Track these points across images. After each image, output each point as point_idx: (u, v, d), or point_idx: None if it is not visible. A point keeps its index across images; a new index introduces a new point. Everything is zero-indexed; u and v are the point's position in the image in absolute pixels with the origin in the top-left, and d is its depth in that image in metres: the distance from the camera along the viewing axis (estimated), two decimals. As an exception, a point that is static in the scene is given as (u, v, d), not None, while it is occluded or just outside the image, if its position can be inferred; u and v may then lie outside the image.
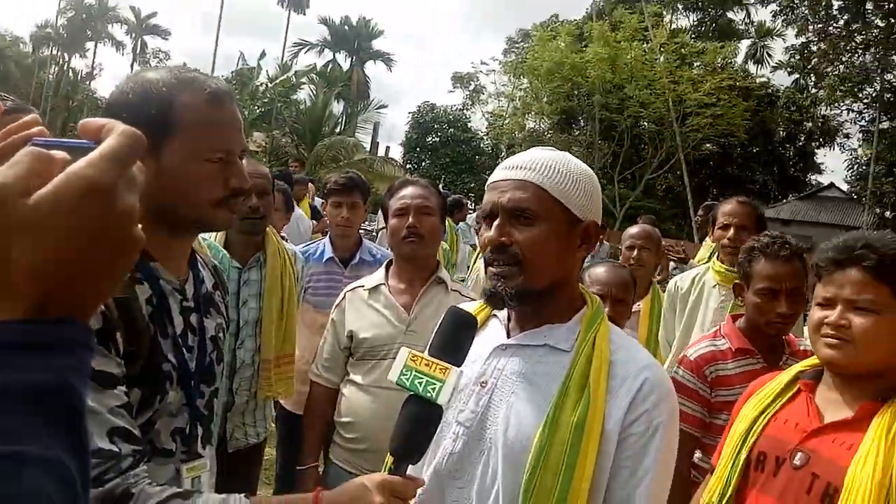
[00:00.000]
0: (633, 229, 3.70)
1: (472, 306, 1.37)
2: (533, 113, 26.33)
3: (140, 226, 0.51)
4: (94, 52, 51.42)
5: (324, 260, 3.03)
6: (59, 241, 0.46)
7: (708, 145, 22.76)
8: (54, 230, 0.46)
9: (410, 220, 2.26)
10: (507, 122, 27.16)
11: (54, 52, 49.47)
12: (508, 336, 1.30)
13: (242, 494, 1.06)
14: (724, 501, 1.52)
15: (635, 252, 3.42)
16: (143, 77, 1.16)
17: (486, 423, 1.22)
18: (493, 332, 1.33)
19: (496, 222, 1.23)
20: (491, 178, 1.29)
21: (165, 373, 1.15)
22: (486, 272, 1.26)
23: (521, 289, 1.21)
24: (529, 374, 1.22)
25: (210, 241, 2.48)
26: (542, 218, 1.21)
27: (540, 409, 1.17)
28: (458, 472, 1.22)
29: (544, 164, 1.23)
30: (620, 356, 1.22)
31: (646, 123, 23.59)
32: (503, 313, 1.34)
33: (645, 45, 22.07)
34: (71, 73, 49.21)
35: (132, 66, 46.32)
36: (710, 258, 4.27)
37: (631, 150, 24.32)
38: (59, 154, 0.48)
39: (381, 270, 2.42)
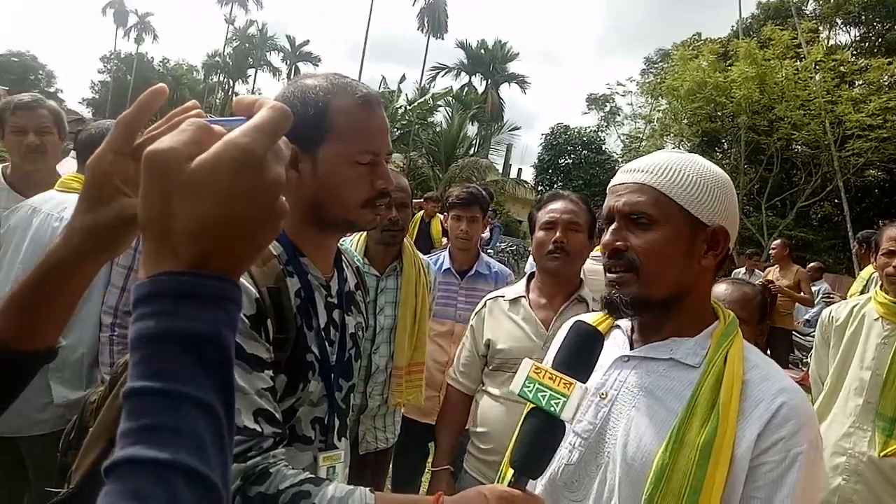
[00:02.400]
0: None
1: (594, 316, 1.33)
2: (672, 135, 25.23)
3: (289, 209, 0.55)
4: (255, 78, 56.29)
5: (442, 270, 3.10)
6: (217, 202, 0.49)
7: (872, 171, 20.61)
8: (213, 193, 0.49)
9: (557, 234, 2.22)
10: (644, 143, 26.26)
11: (221, 78, 54.61)
12: (632, 347, 1.25)
13: (368, 489, 1.08)
14: None
15: None
16: (303, 82, 1.22)
17: (605, 435, 1.18)
18: (616, 342, 1.29)
19: (612, 226, 1.19)
20: (611, 183, 1.25)
21: (309, 363, 1.20)
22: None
23: (637, 296, 1.16)
24: (652, 388, 1.17)
25: (346, 247, 2.60)
26: (660, 222, 1.15)
27: (663, 426, 1.11)
28: (574, 485, 1.19)
29: (664, 167, 1.17)
30: (755, 376, 1.13)
31: (798, 147, 21.82)
32: (626, 324, 1.29)
33: (798, 62, 20.53)
34: (234, 98, 54.00)
35: (285, 91, 51.18)
36: (863, 290, 3.83)
37: (781, 175, 22.57)
38: (217, 127, 0.54)
39: (523, 282, 2.41)
